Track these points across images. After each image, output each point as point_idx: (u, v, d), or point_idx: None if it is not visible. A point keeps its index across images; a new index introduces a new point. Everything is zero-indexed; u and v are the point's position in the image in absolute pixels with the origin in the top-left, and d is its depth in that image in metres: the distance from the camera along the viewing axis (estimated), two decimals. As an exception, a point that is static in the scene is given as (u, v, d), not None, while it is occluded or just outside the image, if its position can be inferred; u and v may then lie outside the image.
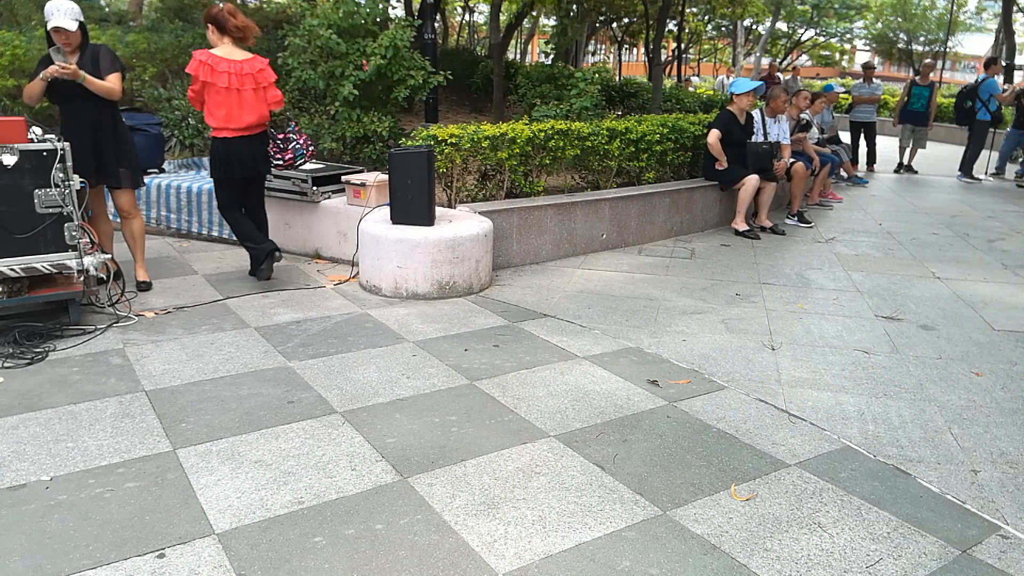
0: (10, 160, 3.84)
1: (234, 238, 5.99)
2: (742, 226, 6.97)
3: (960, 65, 44.08)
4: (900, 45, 34.48)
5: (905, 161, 11.71)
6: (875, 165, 11.83)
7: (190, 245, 5.96)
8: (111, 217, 5.02)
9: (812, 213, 7.99)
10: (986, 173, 11.46)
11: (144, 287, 4.78)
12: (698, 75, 33.66)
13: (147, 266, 4.92)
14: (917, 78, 11.77)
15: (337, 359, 3.81)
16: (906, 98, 11.64)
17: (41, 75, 4.19)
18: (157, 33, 8.63)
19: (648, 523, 2.52)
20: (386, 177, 5.22)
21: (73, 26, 4.19)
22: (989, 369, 3.96)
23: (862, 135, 11.64)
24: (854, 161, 11.08)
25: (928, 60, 12.62)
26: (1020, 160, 12.10)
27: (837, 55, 33.50)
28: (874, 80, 11.79)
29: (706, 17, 24.20)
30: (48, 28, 4.21)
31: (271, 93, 4.76)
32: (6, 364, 3.60)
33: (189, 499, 2.56)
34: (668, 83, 14.82)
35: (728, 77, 19.33)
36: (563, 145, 6.06)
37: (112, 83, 4.35)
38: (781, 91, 7.69)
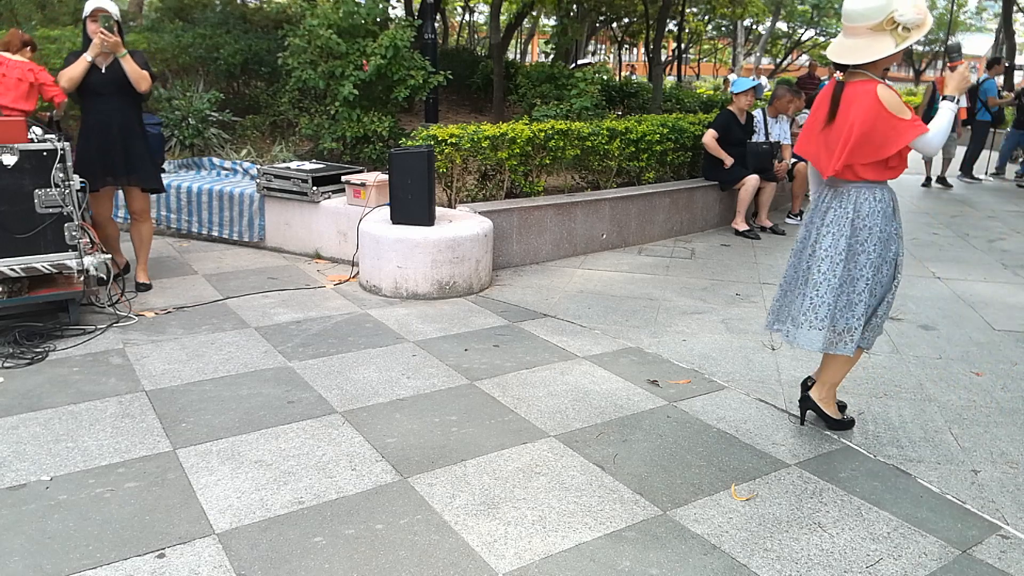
0: (10, 160, 3.84)
1: (234, 238, 5.99)
2: (742, 226, 6.97)
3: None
4: (900, 45, 34.38)
5: (934, 174, 10.51)
6: None
7: (190, 245, 5.96)
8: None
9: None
10: (986, 173, 11.46)
11: (143, 288, 4.78)
12: (698, 76, 33.62)
13: (147, 267, 4.92)
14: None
15: (337, 359, 3.81)
16: (929, 103, 10.29)
17: (87, 53, 4.26)
18: (157, 33, 8.63)
19: (648, 523, 2.52)
20: (386, 177, 5.23)
21: (114, 8, 4.30)
22: (989, 369, 3.95)
23: None
24: None
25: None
26: (1020, 160, 12.10)
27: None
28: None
29: (706, 17, 24.19)
30: (87, 14, 4.30)
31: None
32: (6, 364, 3.60)
33: (189, 499, 2.56)
34: (668, 83, 14.81)
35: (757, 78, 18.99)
36: (563, 145, 6.06)
37: (145, 74, 4.41)
38: (786, 91, 7.69)
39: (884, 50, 2.76)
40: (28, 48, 5.43)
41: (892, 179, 2.98)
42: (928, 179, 10.49)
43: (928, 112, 10.34)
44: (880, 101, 2.77)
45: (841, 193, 2.98)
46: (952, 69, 2.93)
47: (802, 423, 3.27)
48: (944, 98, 2.92)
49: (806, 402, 3.24)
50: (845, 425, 3.23)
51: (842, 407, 3.29)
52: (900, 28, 2.73)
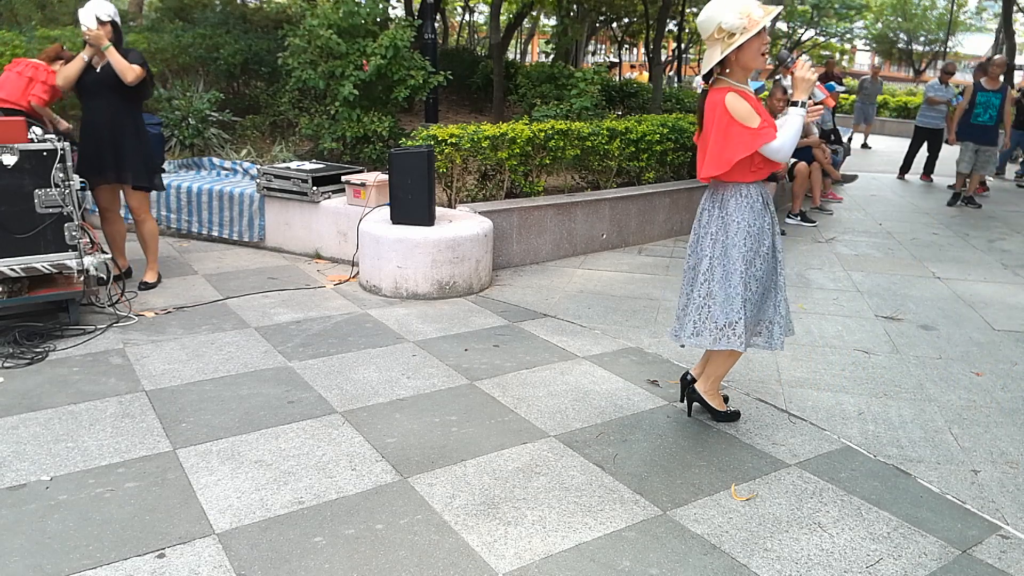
0: (10, 160, 3.85)
1: (234, 238, 5.99)
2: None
3: (960, 65, 44.13)
4: (900, 45, 34.46)
5: (964, 190, 9.19)
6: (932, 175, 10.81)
7: (190, 245, 5.96)
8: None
9: (811, 213, 7.98)
10: (986, 173, 11.42)
11: (145, 287, 4.77)
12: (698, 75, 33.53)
13: (156, 266, 4.92)
14: (983, 80, 9.16)
15: (337, 359, 3.81)
16: (968, 107, 9.10)
17: (83, 52, 4.39)
18: (157, 33, 8.63)
19: (648, 523, 2.52)
20: (386, 177, 5.23)
21: (105, 8, 4.35)
22: (989, 369, 3.95)
23: (926, 143, 10.54)
24: (905, 167, 10.94)
25: (998, 57, 10.11)
26: (1020, 160, 12.10)
27: (837, 55, 33.49)
28: (948, 84, 10.50)
29: (706, 17, 24.16)
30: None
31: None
32: (6, 364, 3.60)
33: (189, 499, 2.56)
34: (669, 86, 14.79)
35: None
36: (563, 145, 6.06)
37: (132, 67, 4.39)
38: (779, 90, 7.68)
39: (715, 58, 2.88)
40: (61, 61, 5.46)
41: (761, 179, 3.05)
42: (957, 195, 9.16)
43: (968, 113, 9.12)
44: (727, 111, 2.87)
45: (715, 195, 3.08)
46: (791, 74, 2.98)
47: (689, 415, 3.31)
48: (791, 103, 2.97)
49: (692, 395, 3.29)
50: (731, 417, 3.26)
51: (725, 399, 3.36)
52: (727, 36, 2.84)
